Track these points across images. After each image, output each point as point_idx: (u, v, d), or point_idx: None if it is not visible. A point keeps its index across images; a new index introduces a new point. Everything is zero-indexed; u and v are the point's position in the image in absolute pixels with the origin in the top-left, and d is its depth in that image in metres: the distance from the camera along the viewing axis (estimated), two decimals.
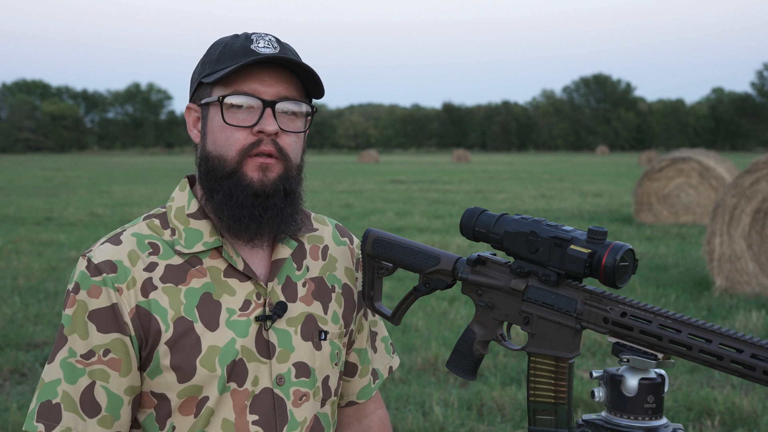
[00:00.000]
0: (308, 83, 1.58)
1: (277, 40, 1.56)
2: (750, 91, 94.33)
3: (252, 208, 1.52)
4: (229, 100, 1.51)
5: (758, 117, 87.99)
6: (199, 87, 1.58)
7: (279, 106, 1.53)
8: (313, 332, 1.63)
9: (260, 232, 1.55)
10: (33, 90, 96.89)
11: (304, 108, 1.57)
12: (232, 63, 1.51)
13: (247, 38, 1.54)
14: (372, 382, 1.81)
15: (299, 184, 1.59)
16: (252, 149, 1.52)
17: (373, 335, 1.82)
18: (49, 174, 33.66)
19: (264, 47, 1.52)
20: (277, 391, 1.57)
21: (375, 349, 1.82)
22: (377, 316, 1.80)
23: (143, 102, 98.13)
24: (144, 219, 1.60)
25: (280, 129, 1.53)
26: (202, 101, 1.56)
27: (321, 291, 1.67)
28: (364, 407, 1.83)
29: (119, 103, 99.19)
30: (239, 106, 1.52)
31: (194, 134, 1.59)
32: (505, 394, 4.94)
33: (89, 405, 1.48)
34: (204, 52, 1.61)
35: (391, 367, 1.86)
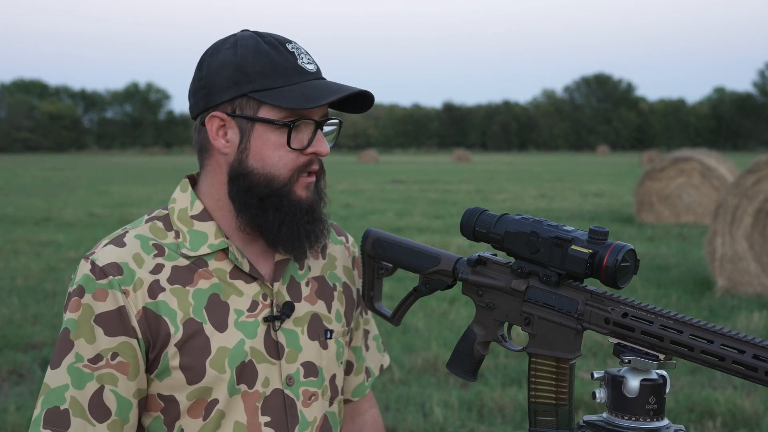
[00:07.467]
0: (346, 102, 1.59)
1: (306, 51, 1.57)
2: (752, 91, 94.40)
3: (307, 224, 1.55)
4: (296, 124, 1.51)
5: (760, 117, 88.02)
6: (236, 97, 1.52)
7: (325, 125, 1.57)
8: (319, 331, 1.63)
9: (311, 245, 1.58)
10: (31, 89, 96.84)
11: (338, 122, 1.62)
12: (286, 82, 1.50)
13: (288, 51, 1.52)
14: (366, 380, 1.82)
15: (325, 188, 1.63)
16: (305, 169, 1.54)
17: (365, 333, 1.82)
18: (47, 174, 33.70)
19: (308, 63, 1.54)
20: (287, 391, 1.58)
21: (367, 347, 1.83)
22: (370, 314, 1.81)
23: (142, 101, 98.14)
24: (146, 221, 1.58)
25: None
26: (244, 114, 1.51)
27: (324, 290, 1.68)
28: (358, 405, 1.84)
29: (118, 103, 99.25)
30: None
31: (221, 144, 1.54)
32: (505, 395, 4.94)
33: (98, 410, 1.47)
34: (209, 51, 1.56)
35: (382, 366, 1.87)
